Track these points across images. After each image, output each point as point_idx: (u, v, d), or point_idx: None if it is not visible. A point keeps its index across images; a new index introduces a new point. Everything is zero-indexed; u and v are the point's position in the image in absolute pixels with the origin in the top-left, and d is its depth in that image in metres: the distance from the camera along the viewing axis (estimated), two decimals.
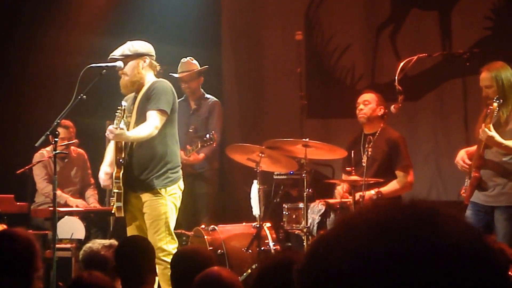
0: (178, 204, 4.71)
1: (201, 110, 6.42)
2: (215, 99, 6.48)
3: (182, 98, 6.45)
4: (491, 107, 4.55)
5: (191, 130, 6.36)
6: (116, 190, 4.61)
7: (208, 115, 6.38)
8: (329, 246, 0.86)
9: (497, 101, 4.54)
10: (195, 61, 6.36)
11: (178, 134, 6.34)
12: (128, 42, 4.75)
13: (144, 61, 4.69)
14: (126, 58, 4.65)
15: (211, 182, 6.47)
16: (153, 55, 4.74)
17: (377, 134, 5.51)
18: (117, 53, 4.69)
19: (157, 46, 4.83)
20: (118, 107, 4.49)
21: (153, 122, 4.53)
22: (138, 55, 4.68)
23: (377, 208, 0.89)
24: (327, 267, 0.85)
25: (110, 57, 4.70)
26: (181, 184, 4.74)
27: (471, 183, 4.67)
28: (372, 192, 5.31)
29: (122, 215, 4.68)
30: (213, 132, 5.83)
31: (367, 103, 5.53)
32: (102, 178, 4.76)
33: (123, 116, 4.41)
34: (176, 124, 4.79)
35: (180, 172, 4.77)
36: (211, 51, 7.00)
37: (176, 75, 6.29)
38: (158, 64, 4.77)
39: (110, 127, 4.45)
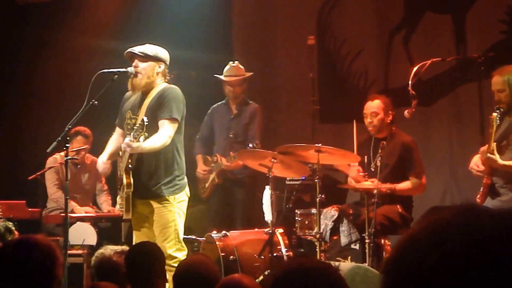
0: (185, 210, 4.71)
1: (242, 116, 6.39)
2: (256, 104, 6.45)
3: (223, 102, 6.44)
4: (491, 117, 4.52)
5: (231, 136, 6.33)
6: (124, 195, 4.63)
7: (249, 121, 6.35)
8: (421, 244, 0.93)
9: (497, 110, 4.51)
10: (241, 66, 6.39)
11: (218, 138, 6.35)
12: (149, 44, 4.76)
13: (159, 67, 4.71)
14: (145, 57, 4.66)
15: (248, 188, 6.39)
16: (167, 64, 4.76)
17: (388, 138, 5.46)
18: (137, 49, 4.70)
19: (167, 51, 4.82)
20: (139, 122, 4.45)
21: (166, 132, 4.55)
22: (156, 59, 4.70)
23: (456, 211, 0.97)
24: (419, 264, 0.91)
25: (127, 50, 4.71)
26: (187, 190, 4.74)
27: (483, 190, 4.68)
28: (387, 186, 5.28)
29: (130, 217, 4.68)
30: (257, 142, 5.80)
31: (375, 115, 5.47)
32: (100, 166, 4.84)
33: (145, 131, 4.38)
34: (183, 131, 4.78)
35: (186, 178, 4.77)
36: (222, 56, 6.98)
37: (222, 77, 6.31)
38: (168, 75, 4.79)
39: (127, 140, 4.44)
